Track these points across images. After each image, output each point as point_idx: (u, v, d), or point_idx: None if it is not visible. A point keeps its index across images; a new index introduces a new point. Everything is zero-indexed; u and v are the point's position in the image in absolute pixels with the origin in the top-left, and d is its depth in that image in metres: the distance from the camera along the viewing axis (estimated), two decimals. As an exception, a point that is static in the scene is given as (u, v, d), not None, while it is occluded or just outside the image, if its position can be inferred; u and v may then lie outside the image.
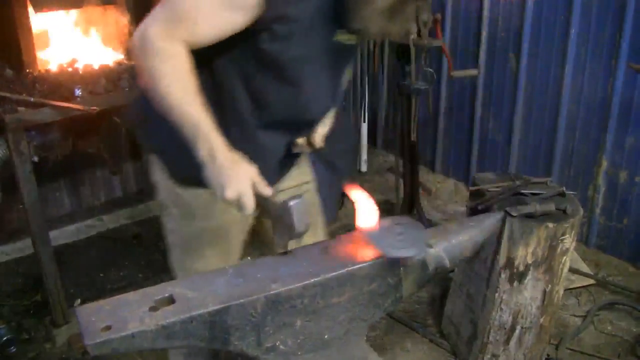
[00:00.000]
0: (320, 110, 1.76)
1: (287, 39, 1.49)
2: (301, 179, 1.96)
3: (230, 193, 1.44)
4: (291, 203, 1.45)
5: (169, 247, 1.90)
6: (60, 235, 3.54)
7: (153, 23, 1.47)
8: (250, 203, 1.46)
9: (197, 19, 1.45)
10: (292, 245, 1.52)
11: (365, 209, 1.54)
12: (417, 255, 1.56)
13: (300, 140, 1.86)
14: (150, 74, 1.46)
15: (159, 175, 1.78)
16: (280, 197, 1.50)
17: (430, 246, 1.69)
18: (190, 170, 1.69)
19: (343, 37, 1.58)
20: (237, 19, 1.44)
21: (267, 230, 2.04)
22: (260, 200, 1.49)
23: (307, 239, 2.07)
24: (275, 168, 1.81)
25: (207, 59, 1.54)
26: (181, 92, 1.45)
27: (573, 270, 3.11)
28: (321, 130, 1.89)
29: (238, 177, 1.45)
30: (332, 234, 3.80)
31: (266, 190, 1.49)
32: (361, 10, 1.45)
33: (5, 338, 2.75)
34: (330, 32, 1.55)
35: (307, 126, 1.77)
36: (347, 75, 1.81)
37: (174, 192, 1.75)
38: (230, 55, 1.55)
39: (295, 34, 1.48)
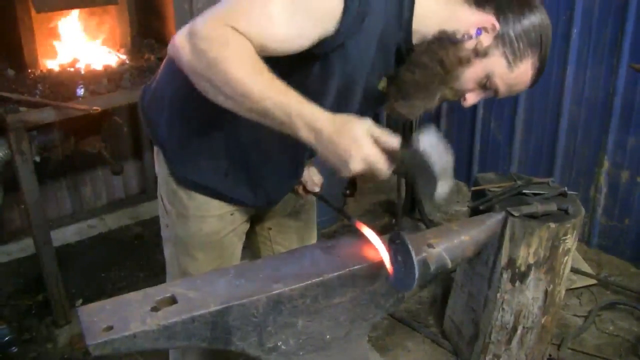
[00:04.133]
0: None
1: (337, 69, 1.43)
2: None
3: (356, 165, 1.23)
4: (421, 141, 1.22)
5: (164, 242, 1.87)
6: (62, 236, 3.54)
7: (203, 20, 1.27)
8: (383, 164, 1.25)
9: (268, 20, 1.28)
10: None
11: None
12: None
13: (296, 187, 1.87)
14: (211, 67, 1.24)
15: (161, 168, 1.74)
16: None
17: (432, 246, 1.69)
18: (188, 173, 1.68)
19: (381, 84, 1.55)
20: (305, 29, 1.30)
21: (258, 235, 2.03)
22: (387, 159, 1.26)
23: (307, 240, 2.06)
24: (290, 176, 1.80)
25: None
26: (253, 73, 1.25)
27: (574, 271, 3.11)
28: (317, 179, 1.88)
29: (355, 143, 1.23)
30: (333, 234, 3.81)
31: (392, 141, 1.26)
32: (412, 98, 1.45)
33: (6, 338, 2.75)
34: (376, 78, 1.52)
35: None
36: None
37: (172, 189, 1.71)
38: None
39: (342, 67, 1.42)
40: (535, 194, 2.39)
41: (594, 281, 3.18)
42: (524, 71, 1.46)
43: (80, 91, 2.78)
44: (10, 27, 2.98)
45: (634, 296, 3.06)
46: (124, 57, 3.25)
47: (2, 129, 2.56)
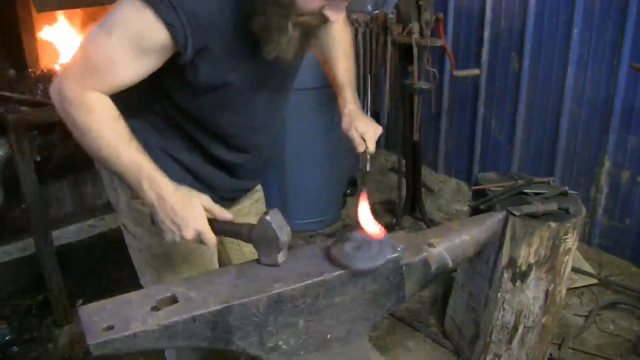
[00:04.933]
0: (265, 127, 1.73)
1: (211, 68, 1.46)
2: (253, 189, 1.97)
3: (187, 234, 1.42)
4: (268, 217, 1.43)
5: (139, 270, 1.82)
6: (63, 235, 3.54)
7: (68, 76, 1.42)
8: (211, 238, 1.45)
9: (110, 69, 1.41)
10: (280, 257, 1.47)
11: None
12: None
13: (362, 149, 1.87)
14: (76, 128, 1.41)
15: (120, 193, 1.71)
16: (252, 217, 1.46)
17: (433, 246, 1.69)
18: None
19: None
20: (150, 62, 1.42)
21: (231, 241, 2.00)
22: (229, 227, 1.48)
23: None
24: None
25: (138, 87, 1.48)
26: (113, 140, 1.41)
27: (575, 270, 3.11)
28: (368, 136, 1.85)
29: (192, 214, 1.42)
30: (333, 234, 3.81)
31: (225, 214, 1.48)
32: (273, 41, 1.42)
33: (7, 338, 2.75)
34: (258, 54, 1.49)
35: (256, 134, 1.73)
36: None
37: (136, 209, 1.68)
38: (165, 85, 1.53)
39: (217, 63, 1.46)
40: (536, 194, 2.38)
41: (594, 281, 3.17)
42: None
43: (81, 91, 2.77)
44: (11, 27, 2.98)
45: (634, 296, 3.06)
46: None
47: (3, 128, 2.56)
